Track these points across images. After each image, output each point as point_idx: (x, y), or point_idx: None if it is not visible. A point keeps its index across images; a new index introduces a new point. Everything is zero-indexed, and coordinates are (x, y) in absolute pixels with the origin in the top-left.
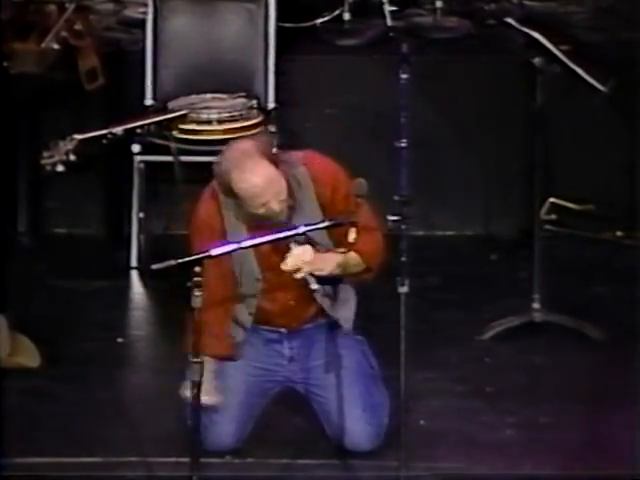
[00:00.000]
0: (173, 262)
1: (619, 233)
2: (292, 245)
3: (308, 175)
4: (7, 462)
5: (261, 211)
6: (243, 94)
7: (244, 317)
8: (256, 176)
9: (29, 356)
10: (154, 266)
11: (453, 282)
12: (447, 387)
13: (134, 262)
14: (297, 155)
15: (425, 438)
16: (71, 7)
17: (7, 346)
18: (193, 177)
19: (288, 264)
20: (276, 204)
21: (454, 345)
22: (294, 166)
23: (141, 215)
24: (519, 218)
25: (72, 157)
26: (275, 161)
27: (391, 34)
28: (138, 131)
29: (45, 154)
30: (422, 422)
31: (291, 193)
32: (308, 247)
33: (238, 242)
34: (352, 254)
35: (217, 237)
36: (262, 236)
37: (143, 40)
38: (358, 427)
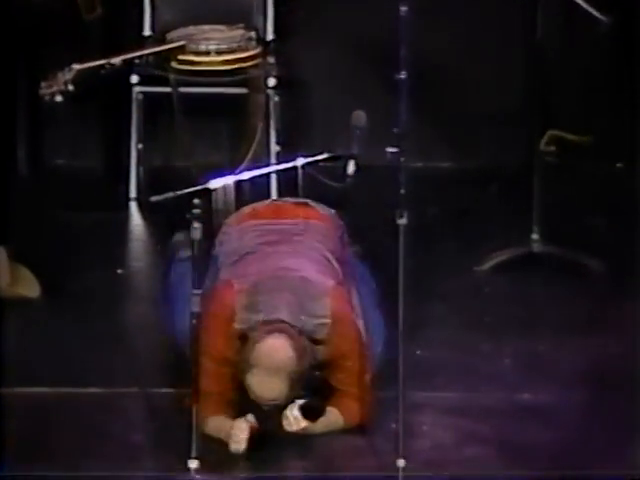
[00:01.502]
0: (172, 194)
1: (619, 164)
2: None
3: (327, 331)
4: (7, 392)
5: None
6: (242, 25)
7: None
8: (268, 391)
9: (29, 286)
10: (153, 198)
11: (452, 214)
12: (445, 318)
13: (133, 194)
14: (324, 286)
15: (424, 368)
16: None
17: (7, 276)
18: (192, 108)
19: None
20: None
21: (453, 276)
22: (317, 299)
23: (140, 147)
24: (518, 150)
25: (70, 87)
26: (299, 376)
27: None
28: (136, 62)
29: (43, 84)
30: (419, 352)
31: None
32: (297, 415)
33: (236, 174)
34: (337, 417)
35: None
36: None
37: None
38: None
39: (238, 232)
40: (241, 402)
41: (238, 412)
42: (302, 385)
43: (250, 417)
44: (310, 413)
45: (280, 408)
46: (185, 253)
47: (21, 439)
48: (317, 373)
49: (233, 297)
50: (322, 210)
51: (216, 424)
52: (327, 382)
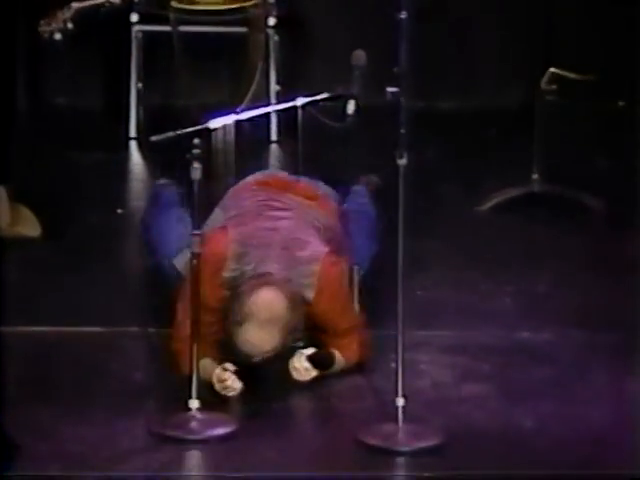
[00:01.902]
0: (172, 133)
1: (620, 102)
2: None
3: (315, 292)
4: (7, 330)
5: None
6: None
7: None
8: (260, 344)
9: (29, 226)
10: (153, 137)
11: (452, 154)
12: (445, 257)
13: (133, 133)
14: (316, 252)
15: (423, 307)
16: None
17: (7, 216)
18: (192, 47)
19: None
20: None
21: (453, 216)
22: (305, 274)
23: (139, 86)
24: (519, 89)
25: (70, 25)
26: (292, 327)
27: None
28: (136, 0)
29: (43, 22)
30: (419, 292)
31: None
32: (307, 366)
33: (236, 113)
34: (339, 358)
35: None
36: None
37: None
38: None
39: (241, 192)
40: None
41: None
42: (294, 337)
43: (228, 365)
44: (320, 363)
45: (269, 361)
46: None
47: (21, 378)
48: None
49: (226, 244)
50: (321, 189)
51: (202, 366)
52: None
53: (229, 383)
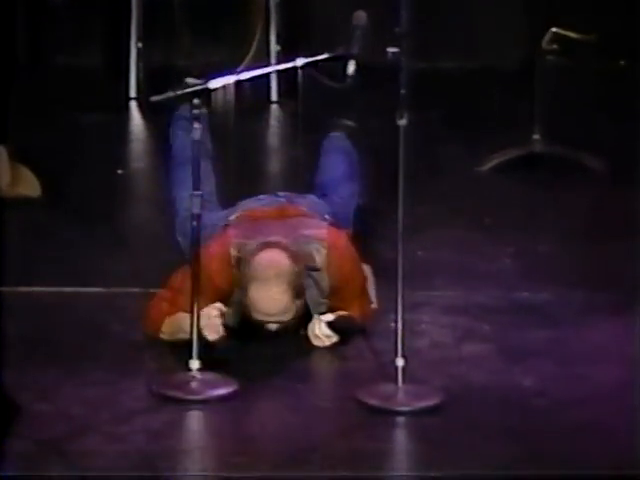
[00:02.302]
0: (172, 94)
1: (622, 62)
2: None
3: (325, 257)
4: (9, 290)
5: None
6: None
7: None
8: (270, 303)
9: (29, 186)
10: (153, 98)
11: (453, 115)
12: (445, 218)
13: (133, 93)
14: (320, 231)
15: (423, 268)
16: None
17: (7, 176)
18: (192, 7)
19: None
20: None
21: (453, 177)
22: (312, 242)
23: (139, 45)
24: (521, 49)
25: None
26: (298, 284)
27: None
28: None
29: None
30: (420, 253)
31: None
32: (328, 333)
33: (236, 73)
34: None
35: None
36: None
37: None
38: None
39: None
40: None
41: None
42: (302, 300)
43: (219, 305)
44: (340, 328)
45: (287, 330)
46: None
47: (22, 339)
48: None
49: (230, 233)
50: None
51: (181, 318)
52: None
53: (216, 321)
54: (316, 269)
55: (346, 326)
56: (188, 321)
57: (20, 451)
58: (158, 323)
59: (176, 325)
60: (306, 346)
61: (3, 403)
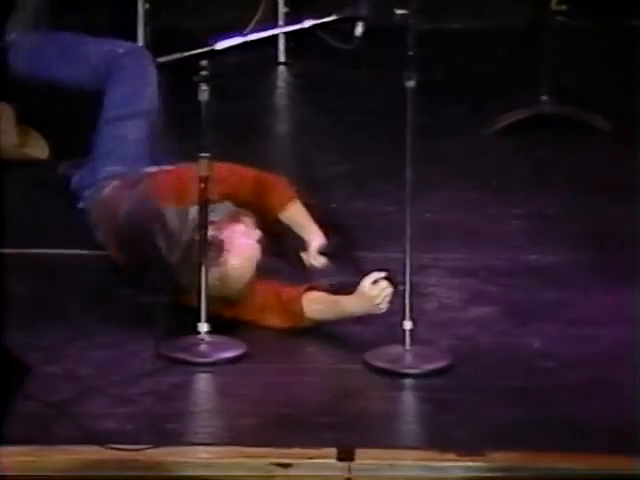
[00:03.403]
0: (179, 55)
1: (634, 21)
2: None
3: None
4: (14, 252)
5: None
6: None
7: None
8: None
9: (37, 148)
10: (161, 59)
11: (460, 76)
12: (452, 180)
13: None
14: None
15: (430, 230)
16: None
17: (14, 137)
18: None
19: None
20: None
21: (461, 139)
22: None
23: (147, 6)
24: (529, 9)
25: None
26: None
27: None
28: None
29: None
30: (428, 215)
31: None
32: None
33: (243, 35)
34: None
35: None
36: None
37: None
38: None
39: None
40: None
41: None
42: None
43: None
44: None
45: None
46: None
47: (29, 301)
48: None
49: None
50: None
51: None
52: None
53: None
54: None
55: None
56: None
57: (29, 412)
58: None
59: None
60: None
61: (13, 364)
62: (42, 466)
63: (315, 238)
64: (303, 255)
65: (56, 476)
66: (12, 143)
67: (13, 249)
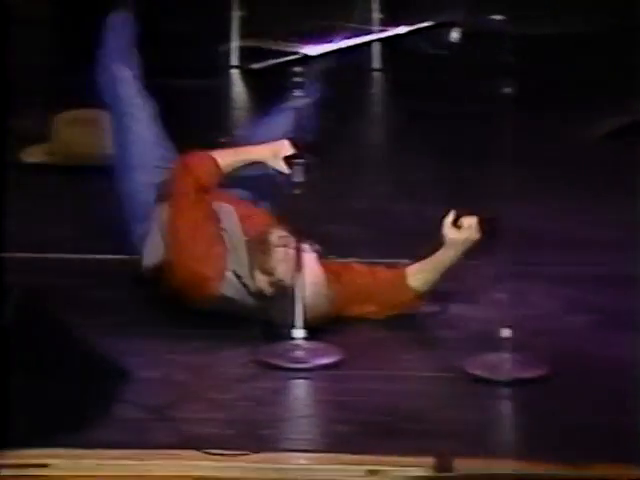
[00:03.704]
0: (272, 61)
1: None
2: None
3: None
4: (101, 258)
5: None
6: None
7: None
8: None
9: None
10: (254, 65)
11: (557, 82)
12: (552, 187)
13: (234, 61)
14: None
15: (530, 238)
16: None
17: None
18: None
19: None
20: None
21: (559, 145)
22: None
23: (241, 13)
24: (626, 13)
25: None
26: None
27: None
28: None
29: None
30: (526, 221)
31: None
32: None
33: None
34: None
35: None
36: None
37: None
38: None
39: None
40: None
41: None
42: None
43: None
44: (488, 226)
45: None
46: None
47: (122, 305)
48: None
49: None
50: None
51: None
52: None
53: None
54: None
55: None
56: None
57: (128, 417)
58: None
59: None
60: (410, 314)
61: (112, 369)
62: (142, 469)
63: None
64: None
65: None
66: (108, 150)
67: (109, 255)
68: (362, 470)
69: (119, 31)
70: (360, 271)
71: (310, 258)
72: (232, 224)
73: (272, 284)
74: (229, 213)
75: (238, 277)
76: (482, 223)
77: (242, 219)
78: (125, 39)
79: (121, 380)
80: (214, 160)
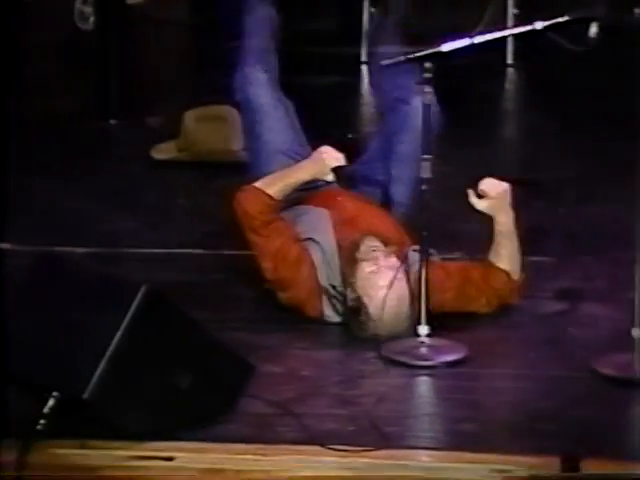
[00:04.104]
0: (403, 57)
1: None
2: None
3: None
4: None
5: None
6: None
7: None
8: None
9: None
10: (384, 62)
11: None
12: None
13: (364, 57)
14: None
15: None
16: None
17: (239, 142)
18: None
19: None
20: None
21: None
22: None
23: (372, 10)
24: None
25: None
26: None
27: None
28: None
29: None
30: None
31: None
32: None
33: (470, 37)
34: None
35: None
36: None
37: None
38: None
39: None
40: None
41: None
42: None
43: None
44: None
45: None
46: None
47: (248, 300)
48: None
49: None
50: None
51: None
52: None
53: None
54: None
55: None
56: None
57: (253, 411)
58: None
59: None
60: (534, 313)
61: (238, 363)
62: (266, 464)
63: None
64: None
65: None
66: (237, 147)
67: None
68: (486, 469)
69: (259, 31)
70: (464, 267)
71: (399, 277)
72: (323, 231)
73: (352, 299)
74: (320, 218)
75: (334, 288)
76: (513, 183)
77: (343, 223)
78: (264, 39)
79: (247, 375)
80: (262, 192)
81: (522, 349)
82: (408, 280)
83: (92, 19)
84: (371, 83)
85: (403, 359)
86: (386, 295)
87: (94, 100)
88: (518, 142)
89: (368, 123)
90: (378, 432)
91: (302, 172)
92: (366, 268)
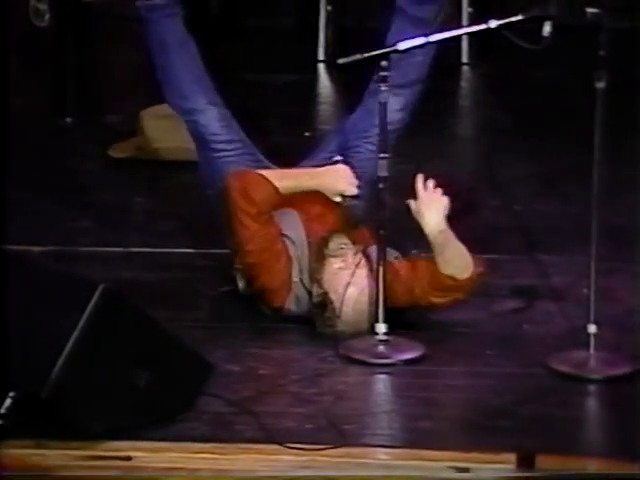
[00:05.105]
0: (360, 56)
1: None
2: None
3: None
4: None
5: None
6: None
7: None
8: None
9: None
10: (340, 60)
11: None
12: None
13: (321, 56)
14: None
15: (617, 233)
16: None
17: None
18: None
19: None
20: None
21: None
22: None
23: (329, 8)
24: None
25: None
26: None
27: None
28: None
29: None
30: (614, 217)
31: None
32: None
33: (426, 36)
34: None
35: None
36: None
37: None
38: None
39: None
40: None
41: None
42: None
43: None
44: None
45: None
46: None
47: (208, 299)
48: None
49: None
50: None
51: None
52: None
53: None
54: None
55: None
56: None
57: (212, 410)
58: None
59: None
60: (490, 310)
61: (196, 362)
62: (224, 463)
63: None
64: None
65: (236, 474)
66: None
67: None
68: (443, 466)
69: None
70: (413, 265)
71: (366, 274)
72: (296, 229)
73: (318, 294)
74: (292, 218)
75: (303, 284)
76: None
77: (311, 220)
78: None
79: (205, 374)
80: (270, 183)
81: (478, 347)
82: (373, 278)
83: (47, 16)
84: None
85: (361, 357)
86: (353, 292)
87: (50, 98)
88: (474, 139)
89: (326, 121)
90: (336, 430)
91: (313, 181)
92: (334, 264)
